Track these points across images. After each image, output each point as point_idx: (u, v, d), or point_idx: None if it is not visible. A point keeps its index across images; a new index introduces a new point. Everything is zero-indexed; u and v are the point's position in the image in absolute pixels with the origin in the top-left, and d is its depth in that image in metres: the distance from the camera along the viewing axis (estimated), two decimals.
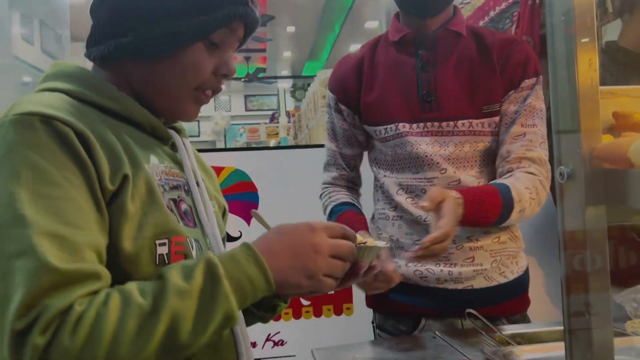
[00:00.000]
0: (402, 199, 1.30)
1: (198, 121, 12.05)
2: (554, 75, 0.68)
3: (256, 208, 1.87)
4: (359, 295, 1.88)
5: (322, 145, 2.03)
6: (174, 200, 0.78)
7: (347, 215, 1.35)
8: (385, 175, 1.34)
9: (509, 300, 1.32)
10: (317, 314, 1.88)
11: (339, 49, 10.69)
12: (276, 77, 13.37)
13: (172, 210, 0.75)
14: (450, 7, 1.31)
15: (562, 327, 1.15)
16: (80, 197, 0.65)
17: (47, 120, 0.66)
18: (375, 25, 9.09)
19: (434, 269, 1.27)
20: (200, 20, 0.78)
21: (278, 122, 11.56)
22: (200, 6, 0.78)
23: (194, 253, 0.76)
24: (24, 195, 0.62)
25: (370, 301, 1.42)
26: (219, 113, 12.81)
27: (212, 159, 1.84)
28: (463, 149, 1.27)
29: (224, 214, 0.96)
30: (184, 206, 0.80)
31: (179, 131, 0.89)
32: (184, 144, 0.88)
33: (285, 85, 14.07)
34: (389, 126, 1.30)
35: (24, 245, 0.59)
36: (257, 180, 1.87)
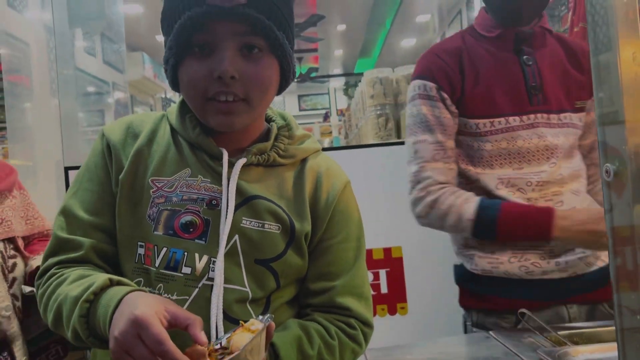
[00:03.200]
0: (503, 193, 1.28)
1: None
2: (597, 71, 0.67)
3: None
4: (413, 294, 1.87)
5: (370, 145, 2.03)
6: (171, 211, 0.85)
7: (516, 206, 1.24)
8: (478, 173, 1.31)
9: (608, 283, 1.32)
10: None
11: (391, 44, 10.60)
12: (329, 76, 13.41)
13: (152, 220, 0.86)
14: None
15: None
16: (104, 191, 0.89)
17: (102, 133, 0.92)
18: (427, 18, 8.95)
19: (540, 262, 1.27)
20: (172, 37, 0.83)
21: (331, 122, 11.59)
22: (166, 24, 0.86)
23: (157, 261, 0.85)
24: (73, 184, 0.92)
25: (467, 300, 1.40)
26: None
27: None
28: (568, 142, 1.31)
29: (292, 235, 0.89)
30: (186, 218, 0.85)
31: (249, 151, 0.89)
32: (234, 163, 0.88)
33: (336, 84, 14.08)
34: (496, 119, 1.29)
35: (56, 220, 0.90)
36: None
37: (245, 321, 0.75)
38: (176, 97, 12.23)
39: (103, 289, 0.78)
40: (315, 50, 11.04)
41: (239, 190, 0.87)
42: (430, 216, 1.29)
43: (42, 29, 3.81)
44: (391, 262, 1.88)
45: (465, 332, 1.40)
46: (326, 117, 12.63)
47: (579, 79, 1.35)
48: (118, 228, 0.88)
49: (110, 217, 0.88)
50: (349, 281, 0.92)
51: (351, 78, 13.42)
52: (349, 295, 0.91)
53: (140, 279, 0.86)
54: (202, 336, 0.69)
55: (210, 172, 0.88)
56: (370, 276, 1.86)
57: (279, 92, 0.93)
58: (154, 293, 0.84)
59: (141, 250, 0.86)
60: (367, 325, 0.93)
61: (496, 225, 1.23)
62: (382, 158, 1.90)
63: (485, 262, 1.30)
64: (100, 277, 0.79)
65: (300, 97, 15.03)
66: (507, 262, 1.28)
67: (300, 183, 0.92)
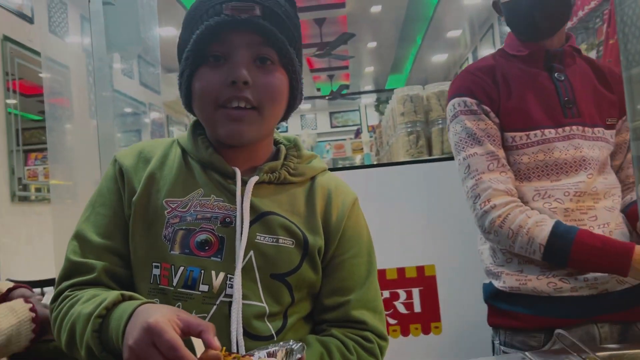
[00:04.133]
0: (539, 204, 1.28)
1: None
2: (629, 84, 0.66)
3: None
4: (447, 313, 1.85)
5: (401, 163, 2.02)
6: (186, 230, 0.87)
7: (591, 238, 1.20)
8: (515, 185, 1.32)
9: None
10: (405, 333, 1.86)
11: (422, 60, 10.59)
12: (360, 93, 13.45)
13: (168, 240, 0.87)
14: (563, 29, 1.38)
15: None
16: (117, 215, 0.91)
17: (115, 159, 0.95)
18: (457, 34, 8.93)
19: (568, 279, 1.25)
20: (189, 47, 0.87)
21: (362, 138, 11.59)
22: (185, 37, 0.89)
23: (175, 280, 0.86)
24: (86, 210, 0.93)
25: (496, 318, 1.38)
26: (306, 131, 13.05)
27: None
28: (602, 155, 1.32)
29: (306, 249, 0.90)
30: (201, 237, 0.87)
31: (261, 170, 0.92)
32: (247, 181, 0.90)
33: (367, 100, 14.10)
34: (532, 132, 1.30)
35: (69, 245, 0.91)
36: None
37: (278, 342, 0.76)
38: None
39: (115, 304, 0.79)
40: (346, 67, 11.11)
41: (252, 207, 0.88)
42: (499, 234, 1.26)
43: (82, 53, 3.95)
44: (424, 280, 1.86)
45: (494, 351, 1.37)
46: (357, 133, 12.64)
47: (609, 97, 1.37)
48: (132, 250, 0.89)
49: (123, 240, 0.90)
50: (363, 295, 0.93)
51: (382, 94, 13.43)
52: (363, 309, 0.92)
53: (157, 299, 0.87)
54: (216, 341, 0.70)
55: (222, 190, 0.90)
56: (403, 295, 1.85)
57: (285, 116, 0.95)
58: None
59: (156, 271, 0.87)
60: (383, 338, 0.94)
61: (568, 256, 1.20)
62: (414, 175, 1.89)
63: (513, 279, 1.28)
64: (112, 293, 0.81)
65: (331, 114, 15.10)
66: (535, 279, 1.26)
67: (311, 200, 0.94)
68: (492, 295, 1.36)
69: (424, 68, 11.05)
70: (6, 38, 3.98)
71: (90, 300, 0.82)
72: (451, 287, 1.85)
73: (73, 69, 3.91)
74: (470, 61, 9.37)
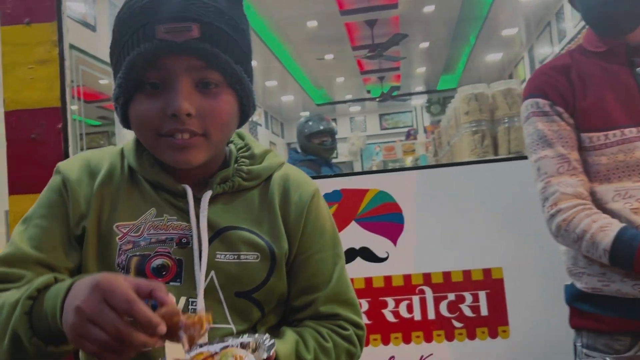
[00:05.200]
0: (619, 205, 1.24)
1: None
2: None
3: (401, 229, 1.87)
4: (515, 317, 1.80)
5: (463, 163, 1.98)
6: (140, 256, 0.82)
7: None
8: (593, 187, 1.29)
9: None
10: (471, 336, 1.82)
11: (475, 59, 10.42)
12: (411, 94, 13.34)
13: (122, 268, 0.82)
14: None
15: None
16: (57, 229, 0.84)
17: (58, 170, 0.88)
18: (513, 32, 8.74)
19: None
20: (122, 74, 0.79)
21: (414, 139, 11.48)
22: (115, 59, 0.82)
23: None
24: (22, 222, 0.86)
25: (578, 320, 1.35)
26: (355, 134, 13.03)
27: (356, 182, 1.88)
28: None
29: (274, 262, 0.87)
30: (157, 262, 0.82)
31: (213, 182, 0.87)
32: (200, 197, 0.85)
33: (419, 101, 13.98)
34: (611, 132, 1.27)
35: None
36: (401, 201, 1.87)
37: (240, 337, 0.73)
38: (261, 120, 12.61)
39: (47, 286, 0.74)
40: (397, 68, 11.04)
41: (210, 225, 0.84)
42: (565, 238, 1.24)
43: None
44: (491, 283, 1.81)
45: (575, 354, 1.33)
46: (408, 135, 12.53)
47: None
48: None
49: (64, 255, 0.84)
50: (332, 290, 0.89)
51: (433, 95, 13.28)
52: (334, 304, 0.88)
53: None
54: (170, 297, 0.66)
55: (175, 209, 0.85)
56: (469, 298, 1.80)
57: (238, 126, 0.90)
58: None
59: None
60: (359, 327, 0.90)
61: (632, 265, 1.15)
62: (479, 176, 1.85)
63: (595, 280, 1.24)
64: (43, 277, 0.76)
65: (381, 116, 15.04)
66: (620, 281, 1.22)
67: (268, 200, 0.89)
68: (574, 297, 1.33)
69: (477, 68, 10.86)
70: (72, 46, 4.15)
71: (16, 292, 0.76)
72: (519, 291, 1.80)
73: None
74: (526, 60, 9.13)
